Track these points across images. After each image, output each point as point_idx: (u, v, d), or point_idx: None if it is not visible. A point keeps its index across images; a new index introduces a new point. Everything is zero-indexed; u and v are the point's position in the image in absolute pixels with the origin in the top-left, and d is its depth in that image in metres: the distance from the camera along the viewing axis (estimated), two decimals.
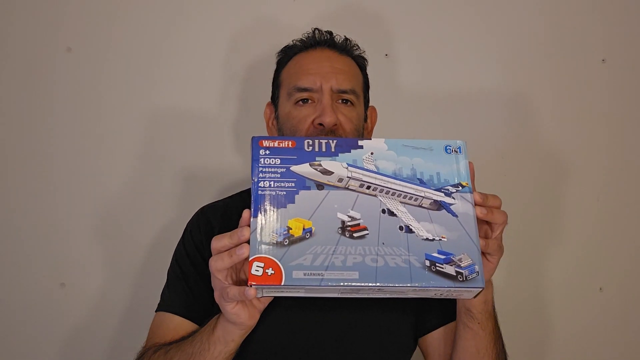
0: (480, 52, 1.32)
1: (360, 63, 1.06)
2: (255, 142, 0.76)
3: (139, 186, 1.24)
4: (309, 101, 0.98)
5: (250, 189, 1.05)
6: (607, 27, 1.34)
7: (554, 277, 1.32)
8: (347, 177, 0.74)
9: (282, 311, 0.88)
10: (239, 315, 0.74)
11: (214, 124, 1.26)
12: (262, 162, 0.75)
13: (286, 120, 0.99)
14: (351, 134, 0.97)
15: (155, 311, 0.96)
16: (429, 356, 0.97)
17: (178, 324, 0.91)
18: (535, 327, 1.31)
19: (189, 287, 0.94)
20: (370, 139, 0.78)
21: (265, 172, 0.74)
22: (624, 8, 1.35)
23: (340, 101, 0.98)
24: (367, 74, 1.07)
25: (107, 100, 1.24)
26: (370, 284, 0.69)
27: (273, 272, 0.68)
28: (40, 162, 1.23)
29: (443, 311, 0.95)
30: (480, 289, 0.70)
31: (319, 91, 0.97)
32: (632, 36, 1.35)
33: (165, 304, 0.95)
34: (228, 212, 1.00)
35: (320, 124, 0.95)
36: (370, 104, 1.10)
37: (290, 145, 0.76)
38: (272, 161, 0.75)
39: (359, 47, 1.07)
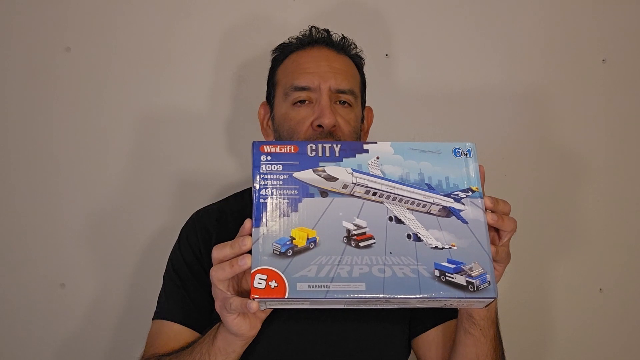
0: (481, 53, 1.31)
1: (358, 62, 1.04)
2: (256, 147, 0.73)
3: (134, 187, 1.23)
4: (307, 101, 0.95)
5: (244, 190, 1.06)
6: (607, 27, 1.34)
7: (554, 278, 1.30)
8: (352, 183, 0.71)
9: (280, 323, 0.86)
10: (240, 326, 0.71)
11: (207, 124, 1.25)
12: (264, 169, 0.71)
13: (283, 121, 0.96)
14: (349, 135, 0.95)
15: (153, 319, 0.94)
16: (422, 357, 0.96)
17: (177, 332, 0.89)
18: (534, 328, 1.30)
19: (188, 294, 0.92)
20: (376, 143, 0.74)
21: (267, 179, 0.71)
22: (624, 8, 1.34)
23: (338, 102, 0.96)
24: (364, 74, 1.05)
25: (105, 100, 1.23)
26: (377, 296, 0.66)
27: (276, 284, 0.65)
28: (39, 162, 1.22)
29: (435, 312, 0.94)
30: (492, 300, 0.68)
31: (317, 91, 0.94)
32: (632, 36, 1.34)
33: (164, 312, 0.93)
34: (224, 216, 0.98)
35: (319, 126, 0.92)
36: (369, 105, 1.08)
37: (292, 151, 0.73)
38: (274, 167, 0.72)
39: (356, 46, 1.04)
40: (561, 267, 1.31)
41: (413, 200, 0.71)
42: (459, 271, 0.68)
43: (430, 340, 0.94)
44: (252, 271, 0.66)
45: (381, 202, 0.71)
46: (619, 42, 1.33)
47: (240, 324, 0.71)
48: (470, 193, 0.73)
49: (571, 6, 1.33)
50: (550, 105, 1.31)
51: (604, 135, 1.32)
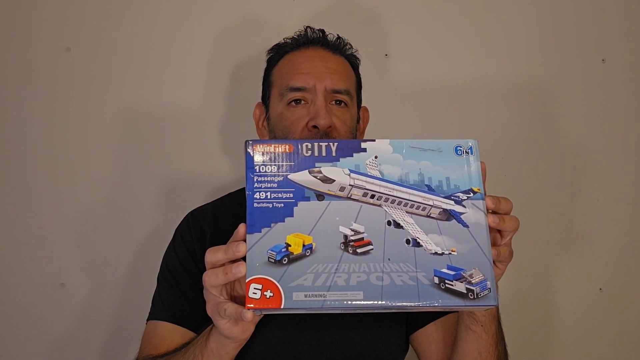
0: (480, 52, 1.30)
1: (353, 62, 1.02)
2: (249, 146, 0.69)
3: (131, 187, 1.23)
4: (302, 102, 0.94)
5: (239, 190, 1.03)
6: (607, 27, 1.32)
7: (554, 277, 1.30)
8: (350, 185, 0.68)
9: (277, 322, 0.85)
10: (232, 330, 0.70)
11: (202, 124, 1.23)
12: (258, 170, 0.68)
13: (278, 121, 0.95)
14: (345, 136, 0.93)
15: (147, 320, 0.92)
16: (421, 353, 0.95)
17: (171, 332, 0.88)
18: (534, 327, 1.30)
19: (182, 294, 0.91)
20: (374, 140, 0.71)
21: (261, 182, 0.68)
22: (624, 8, 1.32)
23: (333, 102, 0.94)
24: (359, 74, 1.03)
25: (104, 100, 1.22)
26: (375, 304, 0.64)
27: (272, 294, 0.63)
28: (39, 162, 1.21)
29: None
30: (493, 307, 0.66)
31: (313, 91, 0.93)
32: (632, 36, 1.33)
33: (158, 312, 0.92)
34: (218, 215, 0.97)
35: (315, 126, 0.91)
36: (370, 105, 1.06)
37: (287, 150, 0.69)
38: (269, 169, 0.68)
39: (351, 46, 1.02)
40: (561, 266, 1.30)
41: (412, 203, 0.69)
42: (458, 278, 0.66)
43: (429, 336, 0.93)
44: (247, 280, 0.64)
45: (379, 205, 0.68)
46: (619, 42, 1.32)
47: (232, 328, 0.69)
48: (471, 194, 0.70)
49: (571, 6, 1.31)
50: (549, 104, 1.30)
51: (603, 134, 1.31)
